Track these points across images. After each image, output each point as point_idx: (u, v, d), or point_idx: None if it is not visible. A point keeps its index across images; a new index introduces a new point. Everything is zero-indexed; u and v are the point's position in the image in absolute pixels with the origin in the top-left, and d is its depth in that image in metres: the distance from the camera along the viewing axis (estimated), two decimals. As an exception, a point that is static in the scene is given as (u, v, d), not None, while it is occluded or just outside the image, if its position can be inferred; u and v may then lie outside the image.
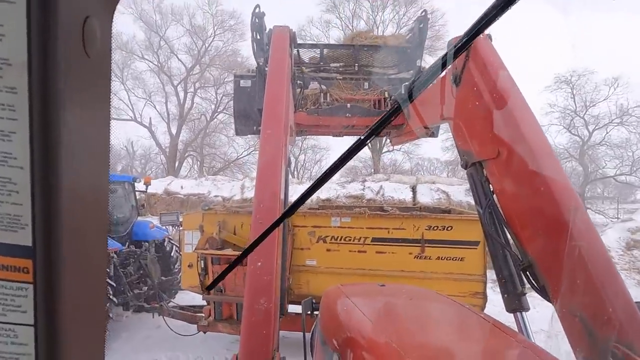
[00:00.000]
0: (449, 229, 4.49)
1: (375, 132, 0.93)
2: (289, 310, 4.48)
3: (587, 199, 21.34)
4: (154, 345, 5.87)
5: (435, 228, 4.51)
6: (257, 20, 3.67)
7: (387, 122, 0.93)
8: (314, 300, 2.18)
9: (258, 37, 3.76)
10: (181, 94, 29.90)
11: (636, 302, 1.52)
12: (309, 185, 1.02)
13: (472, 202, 2.24)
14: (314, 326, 2.04)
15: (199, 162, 31.29)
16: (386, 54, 4.55)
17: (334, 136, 4.89)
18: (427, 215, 4.87)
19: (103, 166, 0.52)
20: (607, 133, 21.80)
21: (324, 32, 27.37)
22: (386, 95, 4.32)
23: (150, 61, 28.98)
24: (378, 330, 1.43)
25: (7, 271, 0.42)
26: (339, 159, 0.95)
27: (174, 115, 29.99)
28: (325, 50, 4.60)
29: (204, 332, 4.92)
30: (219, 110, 29.60)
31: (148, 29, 28.20)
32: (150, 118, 28.90)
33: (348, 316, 1.60)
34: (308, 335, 2.16)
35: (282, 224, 1.89)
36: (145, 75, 29.30)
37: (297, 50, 4.28)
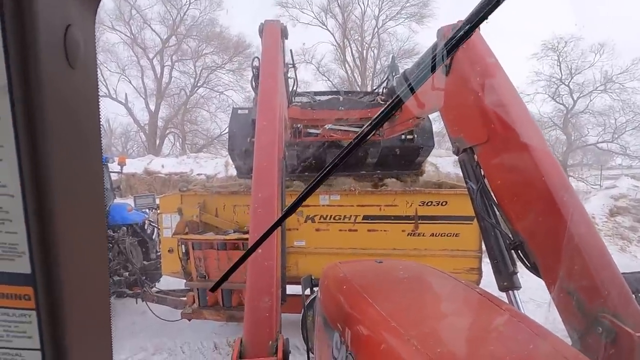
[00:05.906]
0: (444, 204, 4.30)
1: (377, 125, 0.91)
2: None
3: (569, 167, 21.73)
4: (140, 332, 5.68)
5: (430, 204, 4.32)
6: (257, 73, 3.82)
7: (392, 112, 0.92)
8: (312, 277, 2.20)
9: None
10: (157, 68, 28.36)
11: (622, 274, 1.60)
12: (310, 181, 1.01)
13: (461, 173, 2.34)
14: (307, 302, 2.11)
15: (180, 140, 30.25)
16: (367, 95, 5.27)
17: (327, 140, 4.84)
18: (420, 190, 4.66)
19: (97, 180, 0.50)
20: (590, 101, 21.94)
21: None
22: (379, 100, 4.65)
23: (122, 32, 27.18)
24: (377, 308, 1.43)
25: (8, 299, 0.42)
26: (342, 151, 0.93)
27: (151, 91, 28.56)
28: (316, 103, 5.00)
29: (189, 320, 4.72)
30: (198, 84, 28.35)
31: (117, -4, 26.23)
32: (126, 94, 27.45)
33: (347, 294, 1.64)
34: None
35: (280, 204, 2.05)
36: (117, 47, 27.51)
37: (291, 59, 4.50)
